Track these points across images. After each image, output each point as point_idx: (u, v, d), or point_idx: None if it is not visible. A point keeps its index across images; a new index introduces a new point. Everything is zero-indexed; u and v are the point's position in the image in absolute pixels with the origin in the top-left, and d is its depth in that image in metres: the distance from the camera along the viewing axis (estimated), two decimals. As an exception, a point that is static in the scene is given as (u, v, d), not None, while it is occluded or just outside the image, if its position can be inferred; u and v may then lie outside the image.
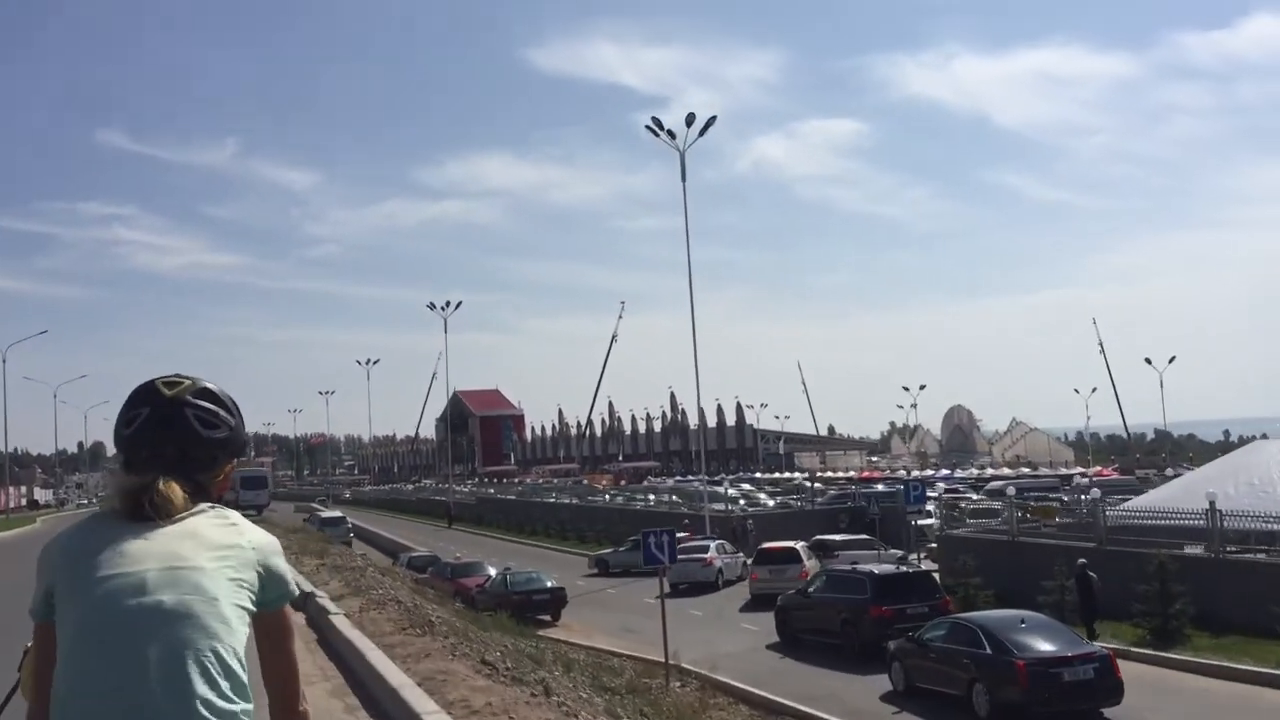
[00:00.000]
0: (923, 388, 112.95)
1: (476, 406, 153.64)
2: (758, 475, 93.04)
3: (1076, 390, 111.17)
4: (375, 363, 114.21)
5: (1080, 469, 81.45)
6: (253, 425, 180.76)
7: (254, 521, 2.31)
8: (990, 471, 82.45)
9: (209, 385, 2.34)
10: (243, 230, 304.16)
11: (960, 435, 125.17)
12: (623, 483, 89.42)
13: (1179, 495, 24.44)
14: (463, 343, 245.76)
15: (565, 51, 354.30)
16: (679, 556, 25.91)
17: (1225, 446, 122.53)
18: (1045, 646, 17.08)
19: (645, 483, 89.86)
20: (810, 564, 30.61)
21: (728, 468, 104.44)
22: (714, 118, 44.51)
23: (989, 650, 17.28)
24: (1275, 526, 21.46)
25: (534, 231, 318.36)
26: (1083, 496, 32.96)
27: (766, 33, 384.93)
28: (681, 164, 43.90)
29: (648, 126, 44.30)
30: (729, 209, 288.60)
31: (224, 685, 2.03)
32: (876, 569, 24.69)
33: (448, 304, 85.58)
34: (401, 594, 17.15)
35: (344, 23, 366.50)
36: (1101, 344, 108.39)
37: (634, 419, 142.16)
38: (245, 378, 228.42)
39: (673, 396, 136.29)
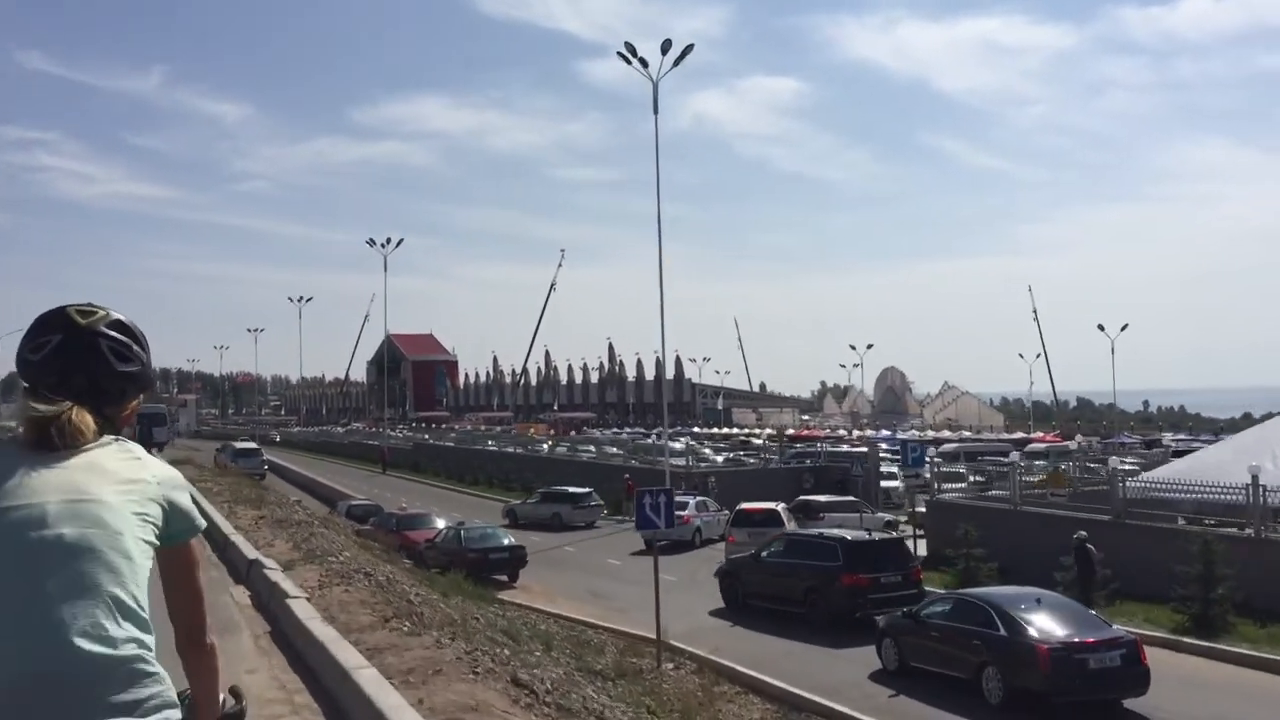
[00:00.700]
0: (870, 347, 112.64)
1: (409, 350, 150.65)
2: (696, 429, 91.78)
3: (1021, 355, 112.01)
4: (308, 300, 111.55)
5: (1021, 434, 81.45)
6: (177, 361, 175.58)
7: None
8: (931, 434, 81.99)
9: (121, 317, 2.28)
10: (169, 161, 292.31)
11: (892, 397, 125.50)
12: (553, 433, 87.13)
13: (1196, 469, 23.21)
14: (396, 285, 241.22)
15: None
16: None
17: (1145, 417, 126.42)
18: (1066, 629, 15.69)
19: (579, 433, 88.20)
20: (792, 526, 28.88)
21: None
22: (691, 45, 42.00)
23: (1003, 631, 15.83)
24: None
25: (470, 177, 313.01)
26: (1095, 464, 31.52)
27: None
28: (654, 95, 41.47)
29: (619, 53, 41.61)
30: (670, 164, 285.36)
31: (124, 620, 1.96)
32: (850, 534, 23.29)
33: (388, 241, 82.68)
34: (362, 559, 15.10)
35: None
36: (1035, 312, 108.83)
37: (570, 369, 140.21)
38: (169, 312, 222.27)
39: (610, 348, 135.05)
